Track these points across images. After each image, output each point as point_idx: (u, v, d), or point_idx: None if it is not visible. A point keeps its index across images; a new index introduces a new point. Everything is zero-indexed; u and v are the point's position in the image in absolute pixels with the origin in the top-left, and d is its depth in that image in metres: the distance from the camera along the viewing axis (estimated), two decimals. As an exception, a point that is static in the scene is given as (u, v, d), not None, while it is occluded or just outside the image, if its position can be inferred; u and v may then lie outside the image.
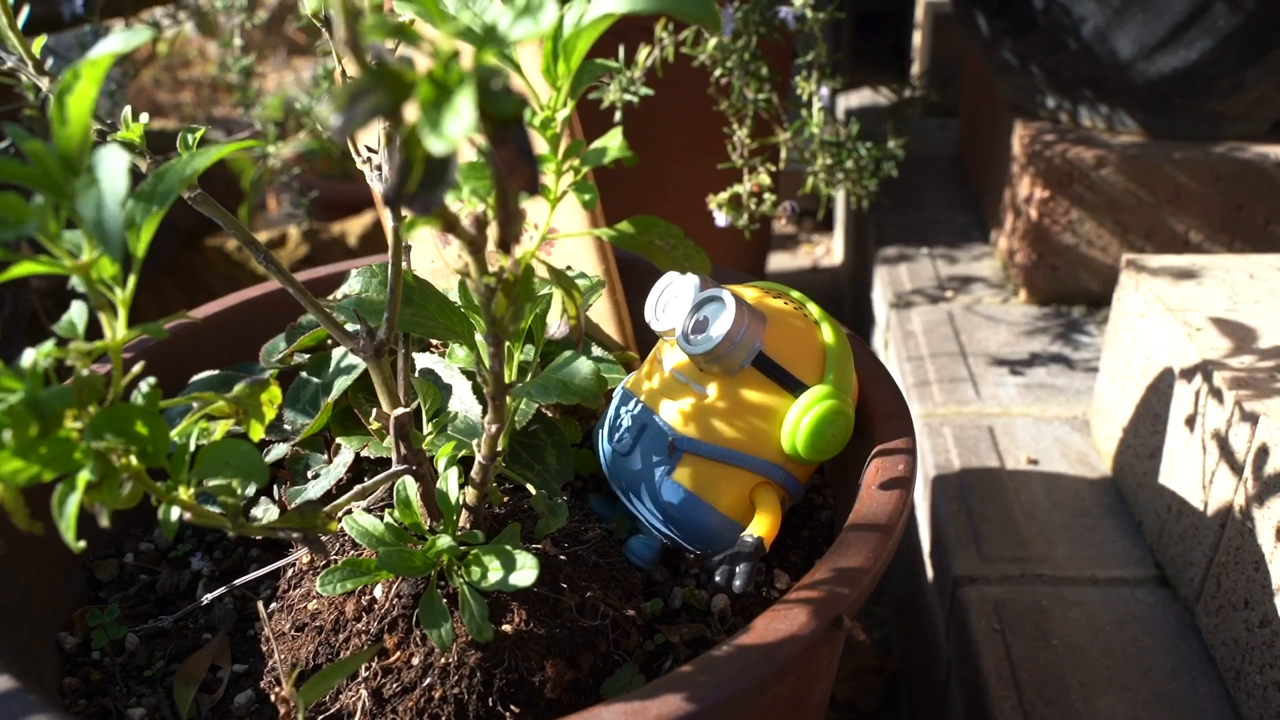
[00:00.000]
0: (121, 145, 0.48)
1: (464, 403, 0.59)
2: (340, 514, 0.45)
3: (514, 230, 0.31)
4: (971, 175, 1.46)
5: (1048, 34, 1.06)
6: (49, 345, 0.33)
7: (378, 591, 0.50)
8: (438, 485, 0.49)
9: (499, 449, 0.47)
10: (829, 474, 0.65)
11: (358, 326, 0.50)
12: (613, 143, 0.39)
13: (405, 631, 0.48)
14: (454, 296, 0.53)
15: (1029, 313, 1.13)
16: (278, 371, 0.64)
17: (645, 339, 0.72)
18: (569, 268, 0.69)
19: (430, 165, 0.25)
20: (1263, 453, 0.61)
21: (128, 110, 0.49)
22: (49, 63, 0.51)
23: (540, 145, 0.39)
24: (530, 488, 0.56)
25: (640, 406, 0.57)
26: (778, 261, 1.82)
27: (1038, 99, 1.16)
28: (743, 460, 0.54)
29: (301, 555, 0.56)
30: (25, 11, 0.62)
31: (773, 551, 0.59)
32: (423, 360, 0.62)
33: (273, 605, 0.54)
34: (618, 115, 0.92)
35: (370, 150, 0.53)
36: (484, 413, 0.57)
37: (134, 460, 0.34)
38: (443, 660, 0.47)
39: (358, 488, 0.46)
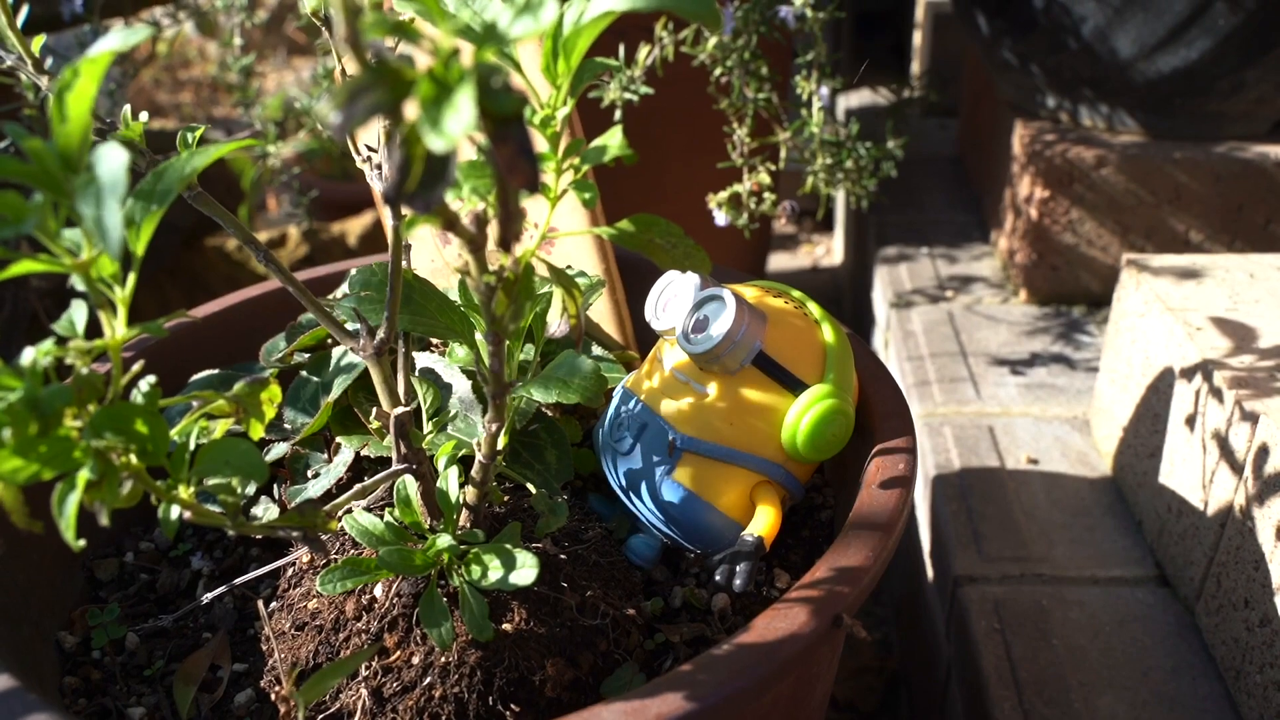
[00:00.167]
0: (121, 144, 0.48)
1: (464, 402, 0.59)
2: (340, 513, 0.45)
3: (514, 229, 0.31)
4: (971, 175, 1.46)
5: (1048, 34, 1.06)
6: (48, 344, 0.33)
7: (378, 590, 0.50)
8: (438, 484, 0.49)
9: (499, 448, 0.47)
10: (829, 473, 0.65)
11: (357, 325, 0.50)
12: (613, 141, 0.39)
13: (405, 630, 0.48)
14: (454, 295, 0.53)
15: (1029, 312, 1.13)
16: (277, 370, 0.64)
17: (645, 338, 0.72)
18: (569, 266, 0.69)
19: (430, 163, 0.25)
20: (1263, 452, 0.61)
21: (127, 109, 0.49)
22: (48, 62, 0.51)
23: (540, 143, 0.39)
24: (530, 487, 0.56)
25: (640, 405, 0.57)
26: (777, 261, 1.82)
27: (1038, 99, 1.16)
28: (743, 459, 0.54)
29: (301, 554, 0.56)
30: (25, 11, 0.62)
31: (773, 550, 0.59)
32: (423, 359, 0.62)
33: (273, 604, 0.54)
34: (617, 114, 0.92)
35: (370, 149, 0.53)
36: (484, 412, 0.57)
37: (134, 459, 0.34)
38: (443, 659, 0.47)
39: (358, 487, 0.46)
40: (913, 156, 1.52)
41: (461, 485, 0.49)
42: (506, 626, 0.48)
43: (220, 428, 0.41)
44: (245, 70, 1.36)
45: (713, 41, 0.92)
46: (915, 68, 1.87)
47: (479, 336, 0.51)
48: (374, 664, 0.47)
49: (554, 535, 0.53)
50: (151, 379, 0.35)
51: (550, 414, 0.62)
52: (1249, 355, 0.69)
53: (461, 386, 0.60)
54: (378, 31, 0.25)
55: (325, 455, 0.62)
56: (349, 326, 0.51)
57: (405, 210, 0.41)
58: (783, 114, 0.97)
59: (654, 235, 0.45)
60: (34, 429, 0.32)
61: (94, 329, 0.35)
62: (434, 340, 0.69)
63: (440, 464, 0.49)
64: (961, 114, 1.56)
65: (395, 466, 0.48)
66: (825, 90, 0.95)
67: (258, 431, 0.41)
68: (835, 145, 0.98)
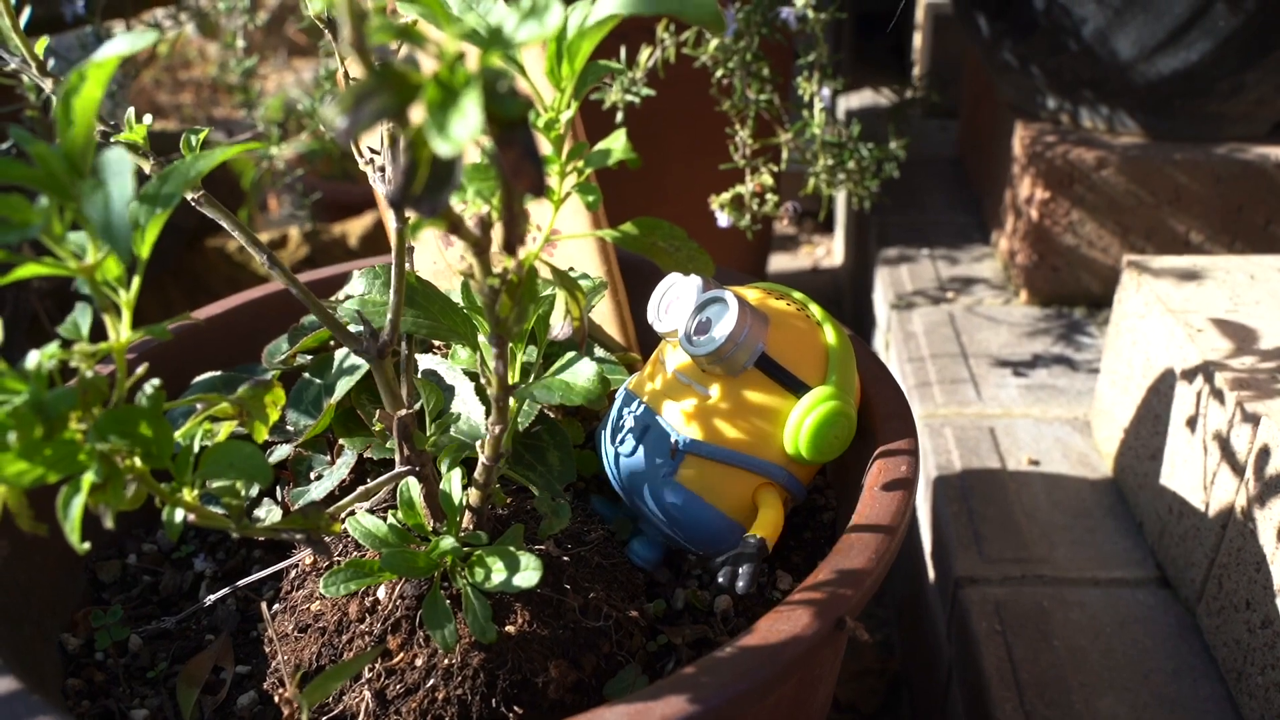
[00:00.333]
0: (125, 147, 0.48)
1: (467, 404, 0.59)
2: (343, 515, 0.45)
3: (518, 232, 0.31)
4: (972, 176, 1.46)
5: (1048, 35, 1.06)
6: (53, 347, 0.33)
7: (381, 593, 0.50)
8: (441, 486, 0.49)
9: (502, 450, 0.47)
10: (831, 475, 0.65)
11: (360, 328, 0.50)
12: (616, 144, 0.39)
13: (409, 632, 0.48)
14: (457, 298, 0.53)
15: (1030, 314, 1.13)
16: (280, 373, 0.64)
17: (648, 340, 0.72)
18: (571, 269, 0.69)
19: (436, 167, 0.25)
20: (1264, 454, 0.61)
21: (131, 112, 0.49)
22: (51, 64, 0.51)
23: (544, 146, 0.39)
24: (533, 489, 0.56)
25: (643, 407, 0.57)
26: (779, 262, 1.82)
27: (1038, 100, 1.16)
28: (745, 461, 0.54)
29: (305, 556, 0.56)
30: (27, 12, 0.62)
31: (775, 552, 0.59)
32: (425, 361, 0.62)
33: (276, 606, 0.54)
34: (619, 115, 0.92)
35: (373, 151, 0.53)
36: (487, 414, 0.57)
37: (138, 462, 0.34)
38: (446, 661, 0.47)
39: (361, 489, 0.46)
40: (913, 157, 1.52)
41: (464, 487, 0.49)
42: (510, 628, 0.48)
43: (224, 430, 0.41)
44: (246, 71, 1.37)
45: (714, 43, 0.92)
46: (916, 69, 1.87)
47: (482, 339, 0.51)
48: (377, 666, 0.47)
49: (557, 537, 0.53)
50: (156, 382, 0.36)
51: (553, 416, 0.62)
52: (1250, 357, 0.69)
53: (464, 389, 0.60)
54: (383, 36, 0.26)
55: (328, 457, 0.62)
56: (352, 328, 0.51)
57: (410, 213, 0.41)
58: (784, 115, 0.97)
59: (657, 238, 0.45)
60: (39, 432, 0.32)
61: (97, 331, 0.35)
62: (437, 342, 0.69)
63: (443, 466, 0.49)
64: (962, 115, 1.56)
65: (398, 469, 0.48)
66: (827, 91, 0.96)
67: (261, 434, 0.42)
68: (837, 146, 0.99)
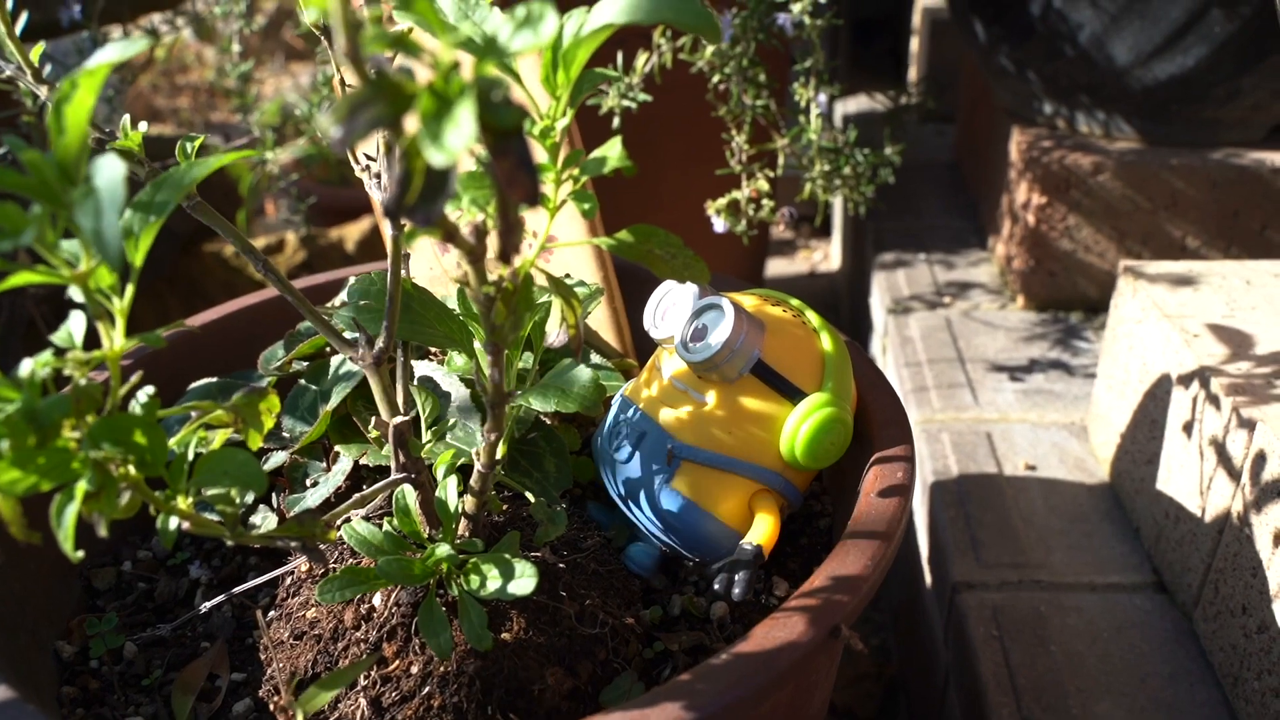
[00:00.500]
0: (120, 154, 0.48)
1: (463, 410, 0.59)
2: (339, 522, 0.45)
3: (514, 240, 0.31)
4: (969, 181, 1.46)
5: (1045, 40, 1.06)
6: (47, 354, 0.33)
7: (376, 600, 0.50)
8: (436, 493, 0.48)
9: (498, 457, 0.47)
10: (828, 481, 0.65)
11: (356, 334, 0.50)
12: (612, 152, 0.39)
13: (404, 640, 0.48)
14: (453, 304, 0.53)
15: (1027, 319, 1.14)
16: (276, 379, 0.64)
17: (644, 347, 0.72)
18: (567, 275, 0.69)
19: (430, 177, 0.25)
20: (1260, 459, 0.61)
21: (126, 119, 0.49)
22: (47, 69, 0.51)
23: (540, 154, 0.39)
24: (529, 495, 0.56)
25: (639, 414, 0.57)
26: (775, 267, 1.82)
27: (1035, 105, 1.16)
28: (741, 468, 0.54)
29: (300, 563, 0.56)
30: (23, 18, 0.62)
31: (772, 559, 0.59)
32: (421, 368, 0.62)
33: (271, 613, 0.54)
34: (616, 121, 0.92)
35: (369, 158, 0.53)
36: (483, 420, 0.57)
37: (132, 469, 0.34)
38: (442, 668, 0.47)
39: (356, 496, 0.46)
40: (910, 163, 1.52)
41: (460, 494, 0.49)
42: (505, 635, 0.48)
43: (219, 437, 0.41)
44: (243, 76, 1.37)
45: (710, 49, 0.92)
46: (912, 74, 1.88)
47: (478, 345, 0.51)
48: (373, 673, 0.47)
49: (553, 544, 0.53)
50: (150, 389, 0.35)
51: (549, 422, 0.62)
52: (1246, 362, 0.69)
53: (460, 395, 0.60)
54: (378, 45, 0.26)
55: (324, 464, 0.62)
56: (347, 335, 0.51)
57: (405, 222, 0.41)
58: (781, 121, 0.97)
59: (653, 246, 0.45)
60: (32, 440, 0.32)
61: (92, 338, 0.35)
62: (432, 349, 0.69)
63: (439, 473, 0.49)
64: (959, 120, 1.57)
65: (394, 475, 0.48)
66: (823, 97, 0.96)
67: (256, 441, 0.41)
68: (833, 151, 0.99)
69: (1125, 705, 0.66)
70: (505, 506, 0.55)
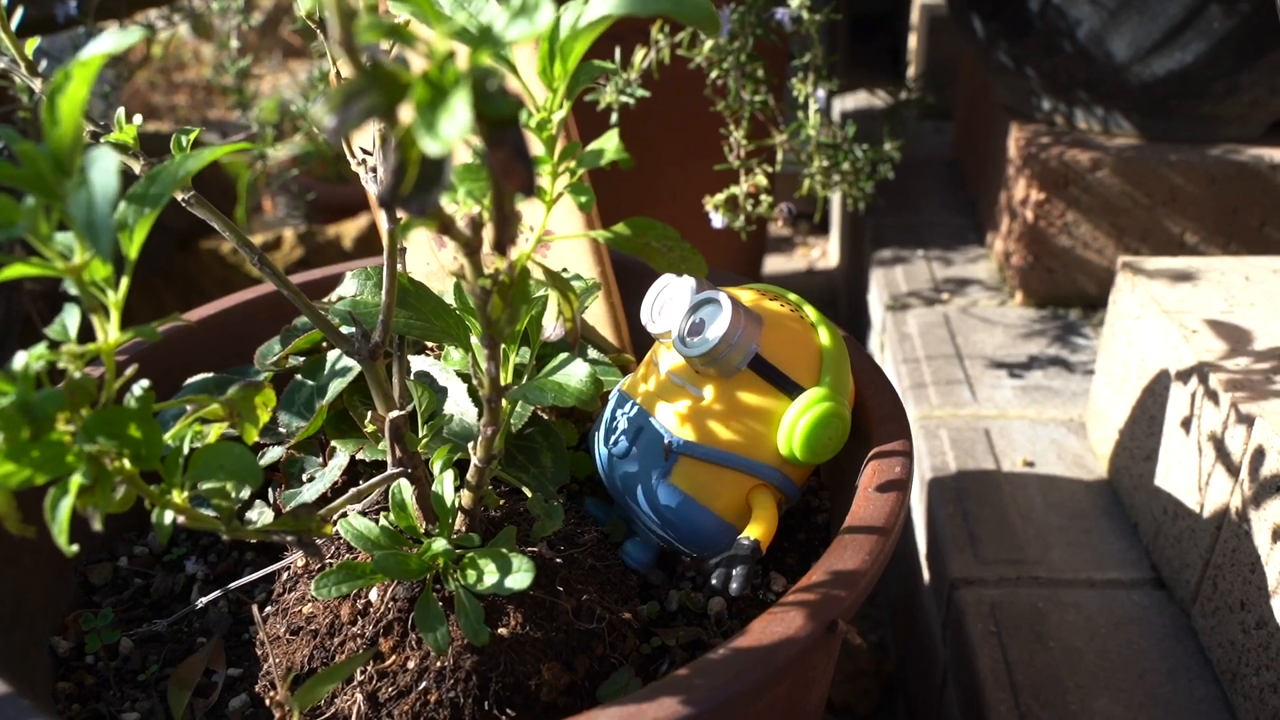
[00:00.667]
0: (114, 147, 0.48)
1: (459, 405, 0.59)
2: (335, 517, 0.45)
3: (510, 232, 0.31)
4: (967, 178, 1.46)
5: (1043, 36, 1.06)
6: (41, 348, 0.33)
7: (373, 595, 0.49)
8: (433, 488, 0.48)
9: (495, 452, 0.47)
10: (825, 477, 0.65)
11: (353, 329, 0.50)
12: (609, 144, 0.39)
13: (401, 635, 0.48)
14: (449, 299, 0.53)
15: (1025, 315, 1.13)
16: (272, 374, 0.64)
17: (641, 341, 0.72)
18: (564, 269, 0.68)
19: (425, 167, 0.25)
20: (1259, 454, 0.61)
21: (121, 112, 0.49)
22: (42, 64, 0.50)
23: (536, 146, 0.39)
24: (526, 491, 0.56)
25: (636, 409, 0.57)
26: (773, 264, 1.82)
27: (1033, 101, 1.16)
28: (739, 463, 0.54)
29: (296, 559, 0.56)
30: (19, 13, 0.61)
31: (769, 554, 0.59)
32: (418, 363, 0.62)
33: (267, 609, 0.54)
34: (613, 117, 0.92)
35: (365, 152, 0.53)
36: (479, 415, 0.57)
37: (127, 463, 0.34)
38: (438, 664, 0.47)
39: (353, 491, 0.45)
40: (909, 159, 1.52)
41: (457, 489, 0.48)
42: (502, 631, 0.48)
43: (214, 432, 0.41)
44: (241, 73, 1.36)
45: (709, 44, 0.92)
46: (911, 70, 1.87)
47: (474, 340, 0.51)
48: (369, 669, 0.47)
49: (550, 539, 0.53)
50: (145, 383, 0.35)
51: (546, 417, 0.61)
52: (1245, 358, 0.69)
53: (457, 390, 0.59)
54: (373, 35, 0.25)
55: (320, 459, 0.62)
56: (344, 330, 0.51)
57: (401, 213, 0.41)
58: (779, 117, 0.97)
59: (650, 239, 0.45)
60: (26, 434, 0.31)
61: (87, 332, 0.35)
62: (429, 344, 0.68)
63: (435, 468, 0.49)
64: (957, 117, 1.57)
65: (390, 470, 0.48)
66: (822, 93, 0.95)
67: (252, 435, 0.41)
68: (832, 148, 0.98)
69: (1123, 701, 0.66)
70: (502, 501, 0.55)
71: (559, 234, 0.58)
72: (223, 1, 1.33)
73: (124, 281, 0.34)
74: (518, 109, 0.25)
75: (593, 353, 0.67)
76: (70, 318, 0.36)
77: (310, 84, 1.41)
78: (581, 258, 0.70)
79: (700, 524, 0.55)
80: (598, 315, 0.70)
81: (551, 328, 0.59)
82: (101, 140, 0.49)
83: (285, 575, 0.55)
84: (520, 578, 0.45)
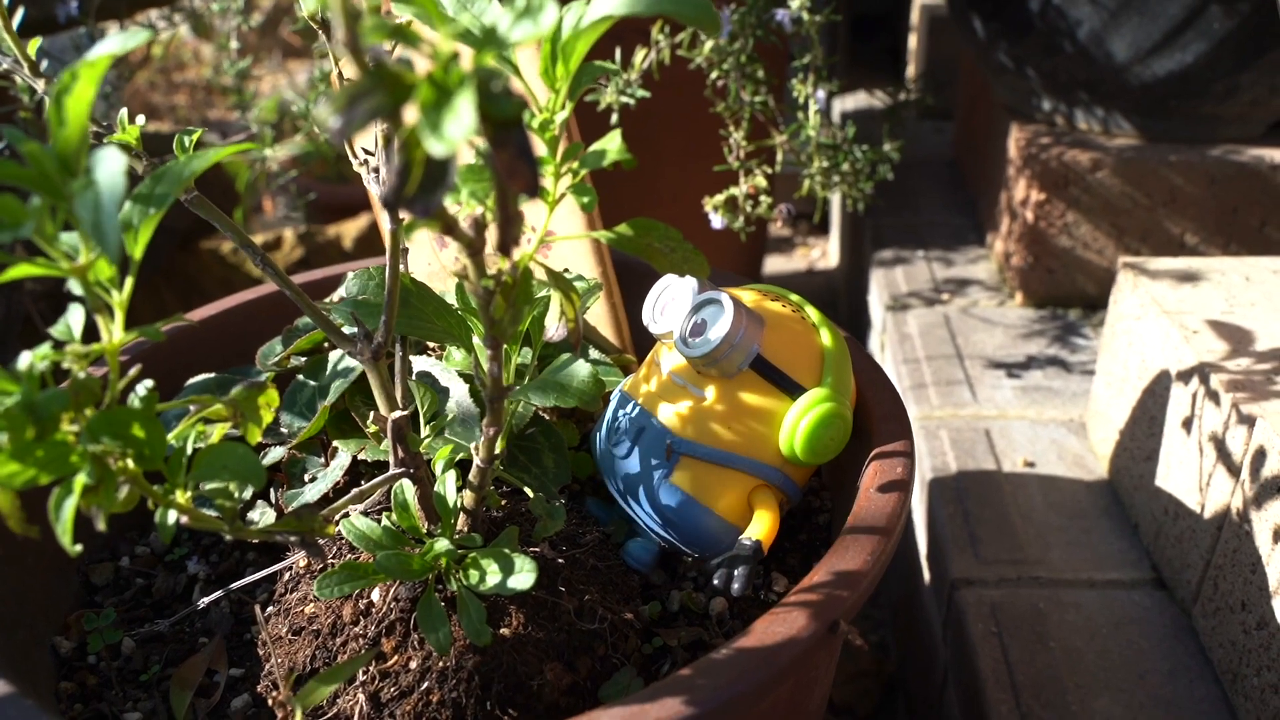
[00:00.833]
0: (118, 147, 0.48)
1: (461, 406, 0.59)
2: (337, 517, 0.45)
3: (513, 233, 0.31)
4: (967, 178, 1.46)
5: (1043, 37, 1.06)
6: (45, 348, 0.33)
7: (375, 595, 0.49)
8: (435, 488, 0.48)
9: (497, 452, 0.47)
10: (827, 477, 0.65)
11: (355, 329, 0.50)
12: (611, 145, 0.39)
13: (403, 635, 0.48)
14: (451, 299, 0.53)
15: (1025, 315, 1.14)
16: (274, 374, 0.64)
17: (643, 342, 0.72)
18: (566, 270, 0.69)
19: (430, 167, 0.25)
20: (1259, 455, 0.61)
21: (124, 112, 0.49)
22: (44, 64, 0.51)
23: (539, 147, 0.39)
24: (528, 491, 0.56)
25: (638, 409, 0.57)
26: (773, 264, 1.82)
27: (1033, 102, 1.16)
28: (741, 463, 0.54)
29: (298, 559, 0.56)
30: (20, 14, 0.62)
31: (771, 554, 0.59)
32: (420, 363, 0.62)
33: (269, 609, 0.54)
34: (614, 117, 0.92)
35: (367, 152, 0.53)
36: (481, 416, 0.57)
37: (131, 463, 0.34)
38: (440, 664, 0.47)
39: (355, 491, 0.45)
40: (908, 159, 1.52)
41: (459, 489, 0.48)
42: (504, 631, 0.48)
43: (217, 432, 0.41)
44: (241, 73, 1.36)
45: (709, 45, 0.92)
46: (911, 71, 1.87)
47: (476, 340, 0.51)
48: (371, 669, 0.47)
49: (551, 539, 0.53)
50: (149, 383, 0.35)
51: (548, 417, 0.62)
52: (1245, 358, 0.69)
53: (459, 390, 0.59)
54: (377, 35, 0.25)
55: (322, 459, 0.62)
56: (346, 330, 0.51)
57: (404, 214, 0.41)
58: (779, 117, 0.97)
59: (652, 239, 0.45)
60: (31, 433, 0.31)
61: (91, 333, 0.35)
62: (431, 344, 0.69)
63: (438, 468, 0.49)
64: (957, 117, 1.57)
65: (392, 470, 0.48)
66: (821, 93, 0.96)
67: (255, 436, 0.41)
68: (831, 148, 0.99)
69: (1124, 701, 0.66)
70: (504, 502, 0.55)
71: (561, 235, 0.58)
72: (223, 2, 1.33)
73: (129, 281, 0.34)
74: (522, 110, 0.26)
75: (594, 353, 0.67)
76: (75, 318, 0.36)
77: (310, 84, 1.41)
78: (583, 258, 0.70)
79: (702, 524, 0.55)
80: (600, 316, 0.70)
81: (553, 328, 0.59)
82: (104, 141, 0.49)
83: (287, 575, 0.55)
84: (523, 578, 0.45)
